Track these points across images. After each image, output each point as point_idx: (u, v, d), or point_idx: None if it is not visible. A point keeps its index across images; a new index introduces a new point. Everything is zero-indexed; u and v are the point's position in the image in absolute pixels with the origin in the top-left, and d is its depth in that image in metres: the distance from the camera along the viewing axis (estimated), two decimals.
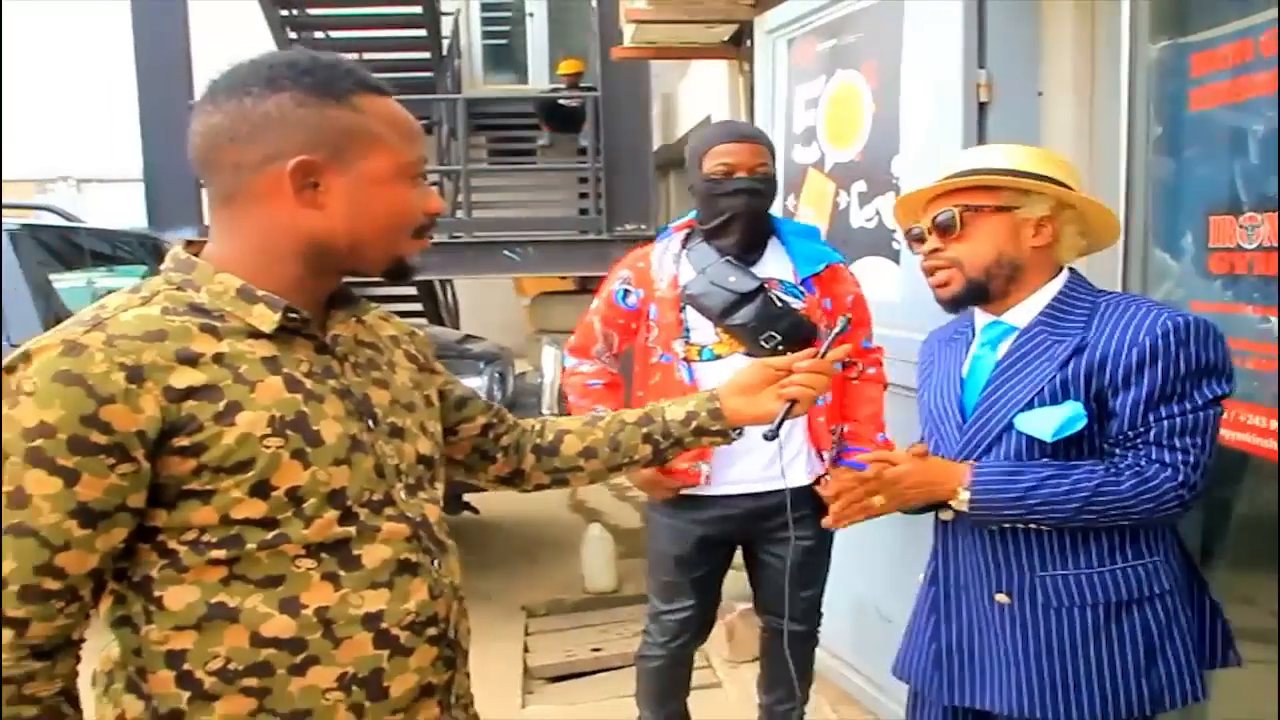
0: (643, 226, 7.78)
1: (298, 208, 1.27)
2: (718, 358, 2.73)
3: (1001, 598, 1.89)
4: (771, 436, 1.65)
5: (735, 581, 4.01)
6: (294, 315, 1.29)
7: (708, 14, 4.57)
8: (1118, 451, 1.82)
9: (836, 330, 1.79)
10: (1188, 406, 1.77)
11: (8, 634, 1.14)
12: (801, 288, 2.76)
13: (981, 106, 2.84)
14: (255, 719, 1.25)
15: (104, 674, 1.30)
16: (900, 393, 2.90)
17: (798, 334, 2.64)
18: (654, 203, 8.65)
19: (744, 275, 2.71)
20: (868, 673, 3.53)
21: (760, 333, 2.67)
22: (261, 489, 1.22)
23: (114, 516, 1.17)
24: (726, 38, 5.06)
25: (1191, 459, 1.77)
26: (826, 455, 2.83)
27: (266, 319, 1.27)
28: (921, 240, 1.95)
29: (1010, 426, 1.85)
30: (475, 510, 5.72)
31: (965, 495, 1.83)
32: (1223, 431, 2.28)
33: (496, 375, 5.25)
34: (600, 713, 3.87)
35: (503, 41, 15.03)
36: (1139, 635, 1.85)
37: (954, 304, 1.95)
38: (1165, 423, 1.77)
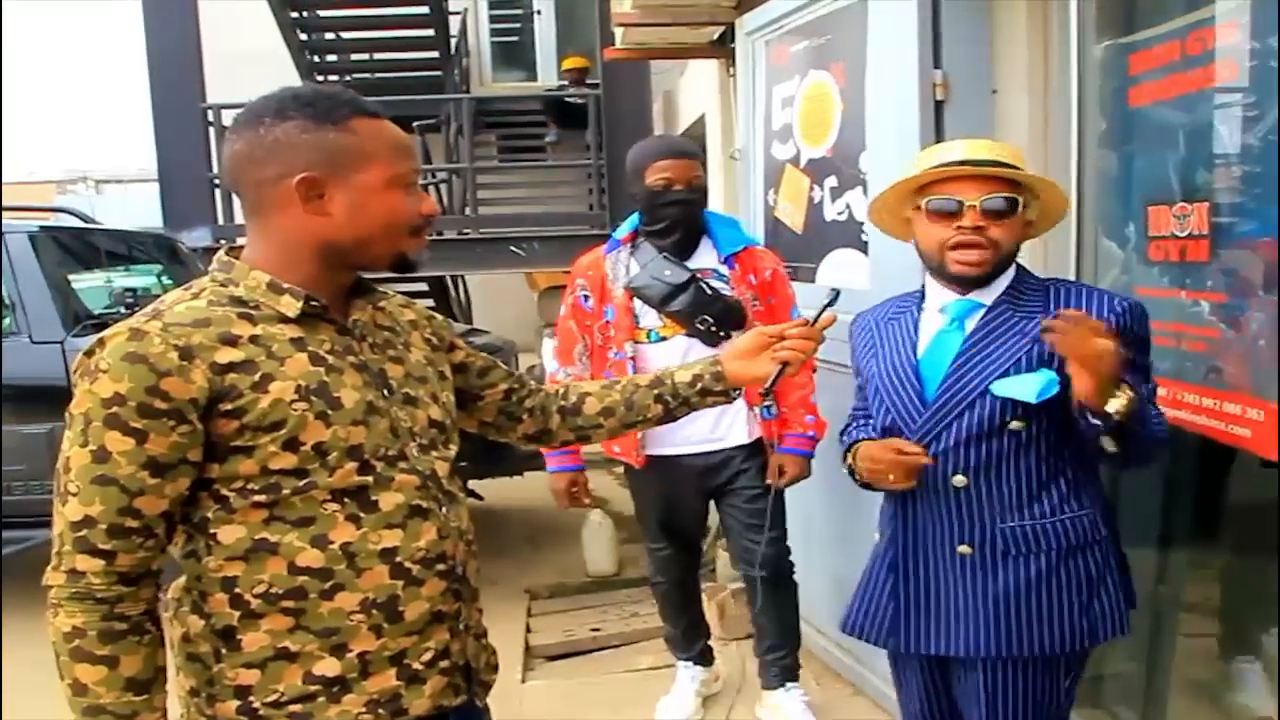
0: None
1: (308, 215, 1.53)
2: (663, 339, 3.20)
3: (964, 549, 2.09)
4: (767, 393, 1.91)
5: (727, 562, 4.19)
6: (315, 303, 1.55)
7: (692, 16, 4.73)
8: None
9: (828, 300, 1.96)
10: (1141, 377, 1.98)
11: (100, 563, 1.42)
12: (725, 267, 3.20)
13: (939, 105, 2.98)
14: (293, 634, 1.50)
15: (173, 600, 1.57)
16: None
17: (728, 316, 3.13)
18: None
19: (677, 269, 3.16)
20: (850, 647, 3.69)
21: (695, 316, 3.13)
22: (292, 444, 1.47)
23: (177, 468, 1.44)
24: (714, 38, 5.21)
25: (1160, 422, 2.00)
26: (756, 410, 3.21)
27: (292, 306, 1.53)
28: (955, 215, 2.02)
29: (984, 393, 2.02)
30: (480, 497, 5.89)
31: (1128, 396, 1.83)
32: (1162, 410, 2.44)
33: None
34: (596, 687, 4.04)
35: (511, 39, 15.07)
36: (1082, 577, 2.07)
37: (978, 281, 2.07)
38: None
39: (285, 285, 1.54)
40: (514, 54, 15.09)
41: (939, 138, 2.98)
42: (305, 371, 1.50)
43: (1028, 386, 1.96)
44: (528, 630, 4.64)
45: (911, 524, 2.15)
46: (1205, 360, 2.36)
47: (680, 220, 3.18)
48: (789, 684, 3.44)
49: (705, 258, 3.24)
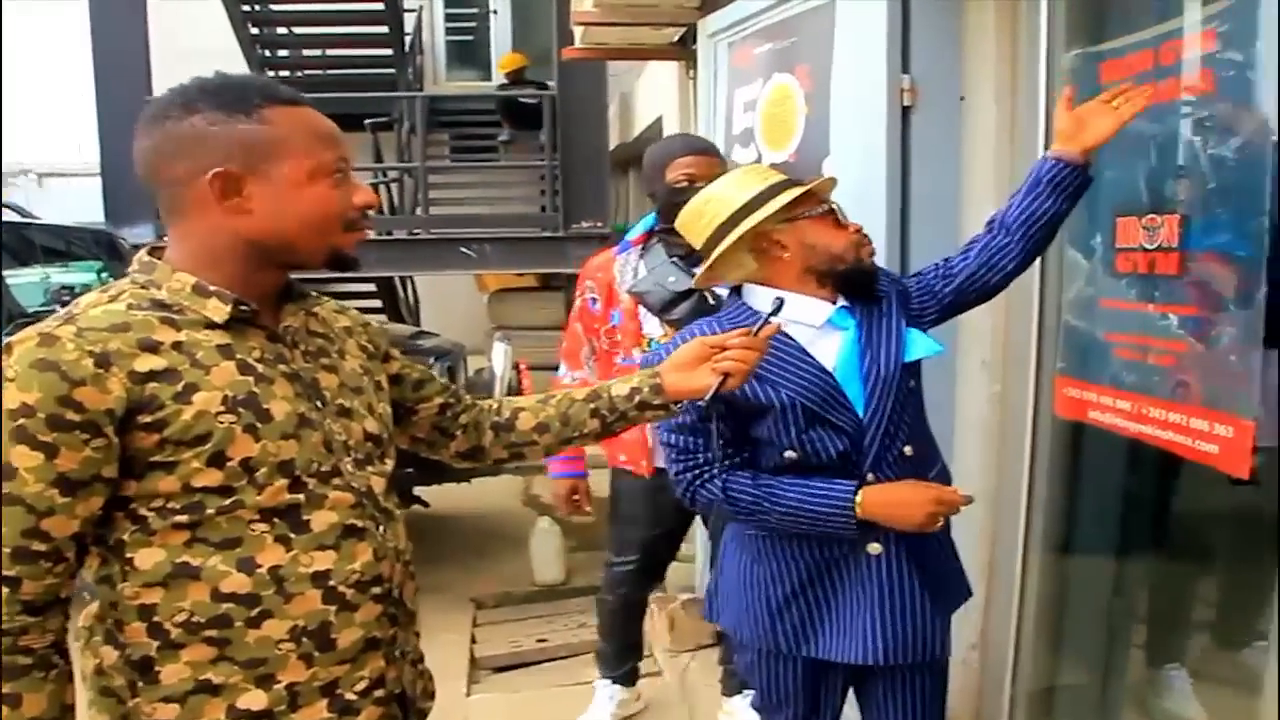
0: (599, 224, 7.86)
1: (227, 214, 1.43)
2: None
3: (874, 547, 2.11)
4: (706, 409, 1.86)
5: (677, 572, 4.12)
6: (244, 307, 1.44)
7: (654, 17, 4.65)
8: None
9: (772, 309, 1.93)
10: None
11: (4, 591, 1.29)
12: None
13: (905, 110, 2.94)
14: (216, 666, 1.39)
15: (84, 629, 1.45)
16: None
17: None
18: (610, 200, 8.73)
19: (683, 275, 3.01)
20: None
21: None
22: (218, 460, 1.36)
23: (90, 486, 1.32)
24: (676, 39, 5.14)
25: None
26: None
27: (219, 311, 1.43)
28: (837, 218, 2.16)
29: (897, 366, 2.11)
30: (426, 504, 5.79)
31: None
32: (1125, 423, 2.41)
33: (445, 370, 5.32)
34: (543, 700, 3.97)
35: (467, 38, 15.01)
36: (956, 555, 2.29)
37: (871, 270, 2.18)
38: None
39: (212, 288, 1.44)
40: (469, 53, 15.01)
41: (905, 144, 2.94)
42: (233, 381, 1.40)
43: (925, 342, 2.16)
44: (473, 641, 4.55)
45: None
46: (1172, 374, 2.32)
47: None
48: (747, 690, 3.37)
49: None
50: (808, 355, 2.10)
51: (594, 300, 3.23)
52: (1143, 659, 3.00)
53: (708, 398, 1.80)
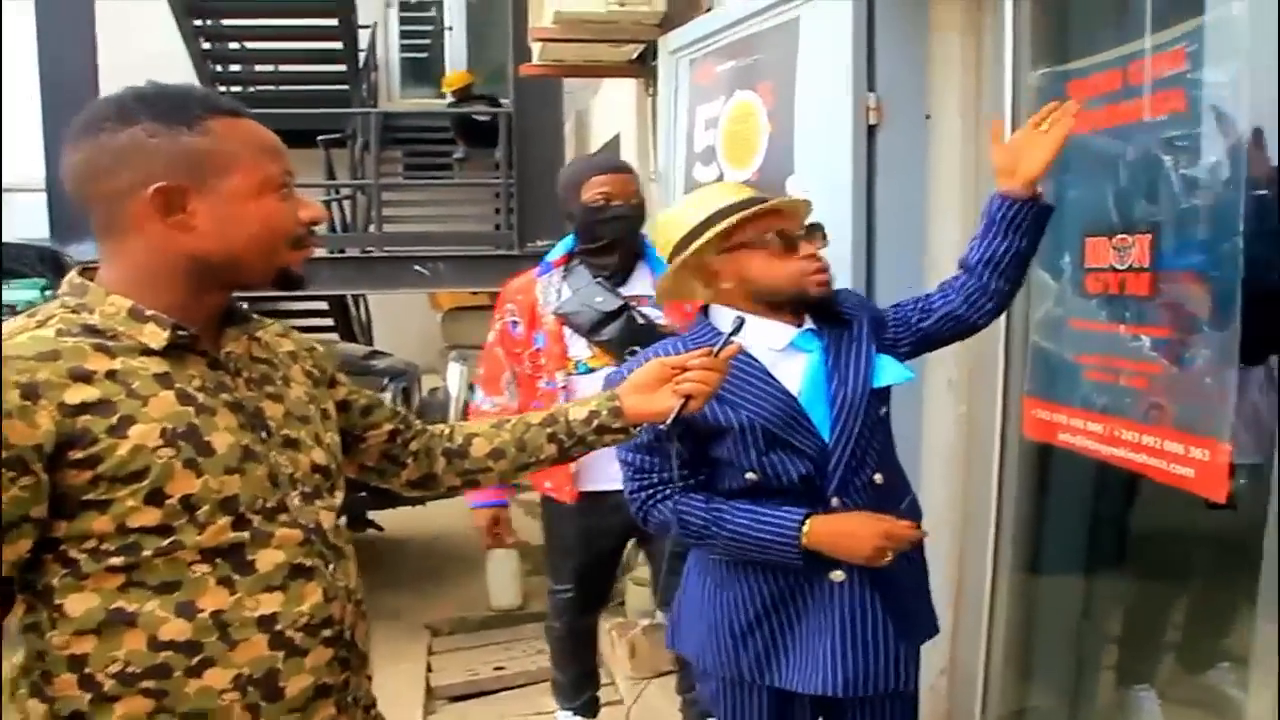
0: (554, 243, 7.74)
1: (169, 231, 1.33)
2: (591, 370, 3.02)
3: (837, 575, 2.05)
4: (667, 431, 1.78)
5: (638, 597, 4.05)
6: (183, 333, 1.35)
7: (614, 34, 4.61)
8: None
9: (733, 329, 1.87)
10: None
11: None
12: None
13: (871, 129, 2.90)
14: (154, 719, 1.29)
15: (10, 681, 1.34)
16: None
17: None
18: (562, 218, 8.64)
19: (610, 295, 3.01)
20: None
21: (625, 347, 2.93)
22: (155, 497, 1.26)
23: (18, 527, 1.22)
24: (634, 56, 5.10)
25: None
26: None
27: (157, 337, 1.33)
28: (796, 245, 2.08)
29: (866, 394, 2.06)
30: (380, 528, 5.68)
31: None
32: (1096, 446, 2.38)
33: (400, 391, 5.23)
34: None
35: (421, 55, 14.91)
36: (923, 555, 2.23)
37: (829, 299, 2.12)
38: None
39: (149, 312, 1.34)
40: (424, 70, 14.89)
41: (871, 162, 2.91)
42: (172, 412, 1.30)
43: (897, 369, 2.11)
44: (428, 669, 4.44)
45: None
46: (1145, 397, 2.29)
47: (620, 238, 3.05)
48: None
49: (640, 284, 3.09)
50: (770, 377, 2.05)
51: (515, 323, 3.14)
52: (1112, 681, 2.97)
53: (669, 421, 1.74)
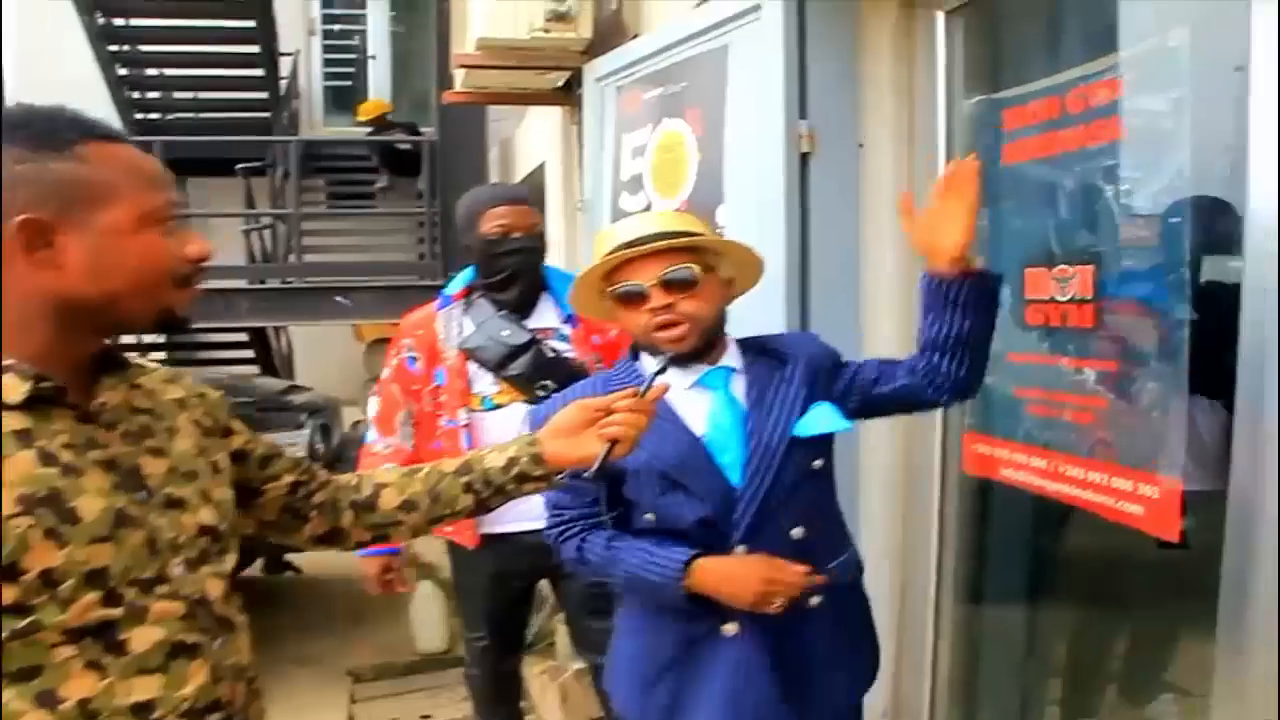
0: None
1: (34, 269, 1.20)
2: (498, 406, 2.92)
3: (816, 600, 1.96)
4: (593, 478, 1.67)
5: (569, 640, 3.92)
6: (46, 384, 1.20)
7: (538, 61, 4.51)
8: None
9: (660, 367, 1.79)
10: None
11: None
12: (568, 326, 2.97)
13: (803, 157, 2.83)
14: None
15: None
16: None
17: (571, 381, 2.73)
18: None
19: (516, 329, 2.92)
20: None
21: (535, 381, 2.86)
22: (11, 573, 1.12)
23: None
24: (560, 84, 5.01)
25: None
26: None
27: (15, 390, 1.18)
28: (640, 298, 1.93)
29: (790, 441, 1.93)
30: (298, 570, 5.50)
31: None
32: (1040, 482, 2.32)
33: (319, 428, 5.06)
34: None
35: (345, 83, 14.72)
36: (861, 617, 2.15)
37: (689, 356, 1.96)
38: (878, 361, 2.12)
39: (8, 361, 1.20)
40: (348, 98, 14.64)
41: (804, 192, 2.83)
42: (30, 475, 1.15)
43: (833, 418, 1.97)
44: (350, 718, 4.25)
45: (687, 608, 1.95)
46: (1090, 432, 2.23)
47: (520, 271, 2.94)
48: None
49: (546, 316, 3.01)
50: (674, 416, 1.96)
51: (413, 359, 3.01)
52: (1057, 715, 2.92)
53: (594, 467, 1.63)
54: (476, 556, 3.01)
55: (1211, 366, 1.98)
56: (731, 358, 2.02)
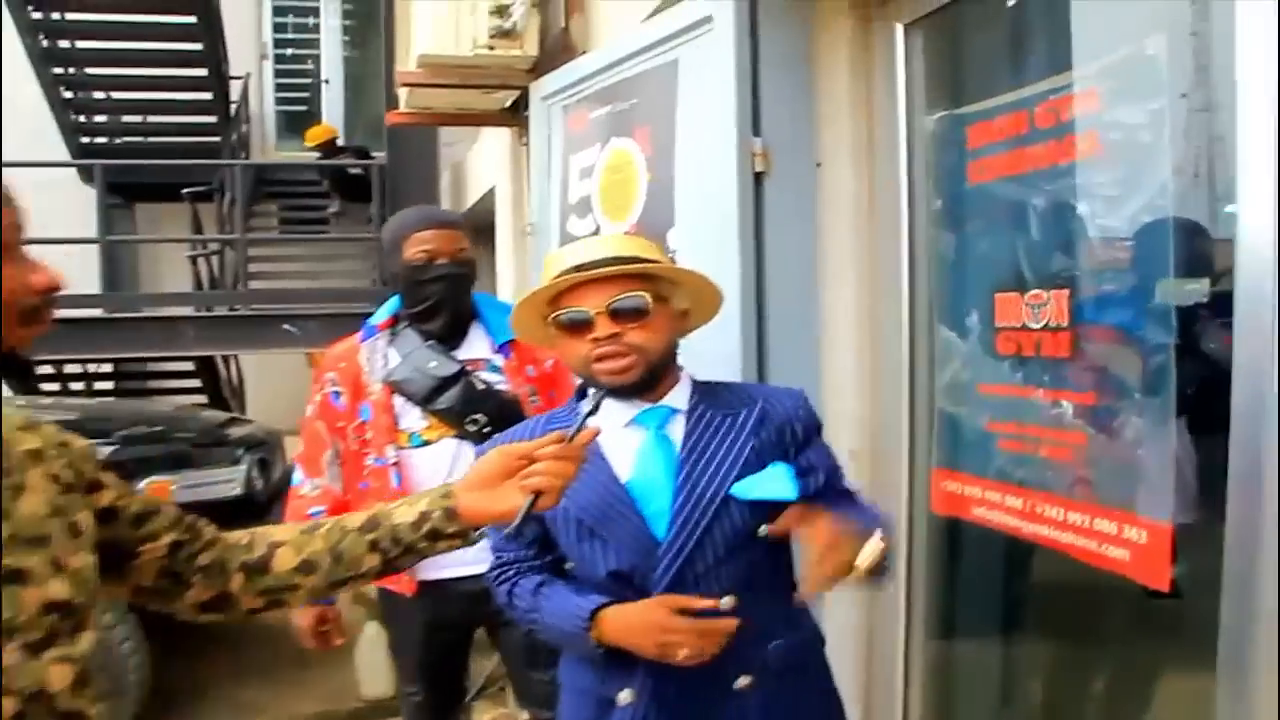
0: None
1: None
2: (427, 443, 2.73)
3: (744, 681, 1.76)
4: (514, 535, 1.53)
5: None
6: None
7: (483, 79, 4.33)
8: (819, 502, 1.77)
9: (591, 408, 1.62)
10: (834, 457, 1.91)
11: None
12: (500, 356, 2.80)
13: (758, 177, 2.67)
14: None
15: None
16: None
17: (503, 414, 2.65)
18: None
19: (445, 360, 2.75)
20: None
21: (465, 415, 2.69)
22: None
23: None
24: (508, 105, 4.84)
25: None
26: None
27: None
28: (584, 326, 1.76)
29: (727, 500, 1.74)
30: None
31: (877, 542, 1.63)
32: (1017, 523, 2.16)
33: (257, 463, 4.83)
34: None
35: (299, 108, 14.57)
36: (833, 684, 1.94)
37: (632, 389, 1.79)
38: (840, 471, 1.89)
39: None
40: (301, 122, 14.48)
41: (759, 213, 2.67)
42: None
43: (780, 484, 1.74)
44: None
45: (668, 671, 1.72)
46: (1069, 469, 2.07)
47: (446, 299, 2.75)
48: None
49: (476, 347, 2.83)
50: (600, 458, 1.78)
51: (337, 394, 2.80)
52: None
53: (515, 523, 1.47)
54: (411, 605, 2.81)
55: (1197, 396, 1.84)
56: (678, 397, 1.84)
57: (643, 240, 1.95)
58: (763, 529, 1.74)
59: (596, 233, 3.33)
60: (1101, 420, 1.99)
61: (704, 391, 1.86)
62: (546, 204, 3.71)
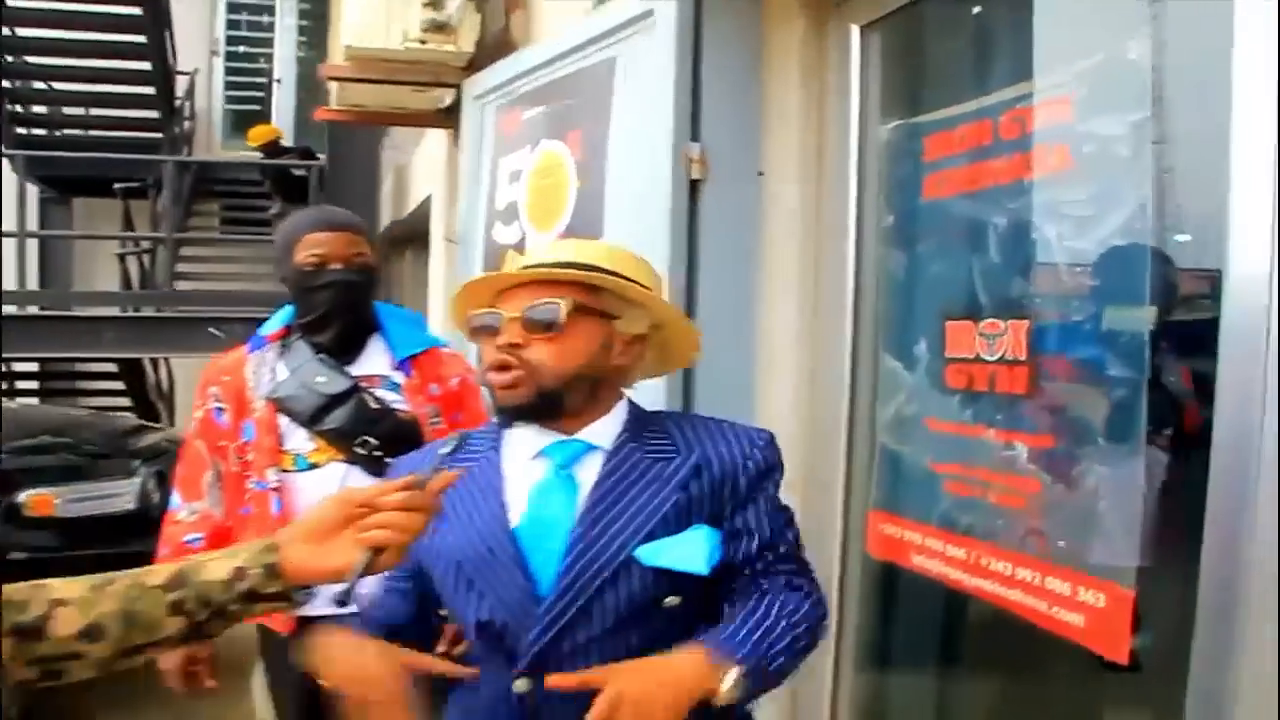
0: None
1: None
2: (314, 466, 2.45)
3: None
4: (343, 600, 1.23)
5: None
6: None
7: (414, 75, 4.08)
8: (747, 572, 1.52)
9: (452, 447, 1.43)
10: (787, 518, 1.59)
11: None
12: (400, 373, 2.54)
13: (694, 184, 2.46)
14: None
15: None
16: None
17: (398, 437, 2.39)
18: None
19: (336, 375, 2.48)
20: None
21: (354, 437, 2.43)
22: None
23: None
24: (445, 104, 4.59)
25: (812, 572, 1.61)
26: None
27: None
28: (493, 332, 1.52)
29: (629, 564, 1.45)
30: None
31: (734, 675, 1.37)
32: (958, 575, 1.96)
33: (154, 475, 4.51)
34: None
35: (250, 107, 14.31)
36: None
37: (515, 413, 1.53)
38: (789, 535, 1.57)
39: None
40: (250, 121, 14.24)
41: (693, 224, 2.47)
42: None
43: (692, 552, 1.47)
44: None
45: None
46: (1021, 519, 1.86)
47: (338, 308, 2.48)
48: None
49: (374, 362, 2.56)
50: (494, 490, 1.53)
51: (220, 410, 2.54)
52: None
53: (349, 584, 1.22)
54: (288, 643, 2.52)
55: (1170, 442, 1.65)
56: (601, 431, 1.56)
57: (625, 253, 1.64)
58: (669, 599, 1.47)
59: (521, 241, 3.10)
60: (1059, 466, 1.78)
61: (640, 427, 1.58)
62: (474, 210, 3.48)
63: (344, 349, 2.53)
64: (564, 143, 2.96)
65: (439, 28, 3.84)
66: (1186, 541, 1.52)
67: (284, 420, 2.46)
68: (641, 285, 1.56)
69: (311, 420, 2.44)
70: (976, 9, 2.11)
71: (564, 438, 1.54)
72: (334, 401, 2.44)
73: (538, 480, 1.53)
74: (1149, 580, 1.61)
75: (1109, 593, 1.64)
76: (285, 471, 2.44)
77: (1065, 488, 1.77)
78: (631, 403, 1.61)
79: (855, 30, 2.35)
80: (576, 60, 2.96)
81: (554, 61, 3.08)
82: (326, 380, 2.45)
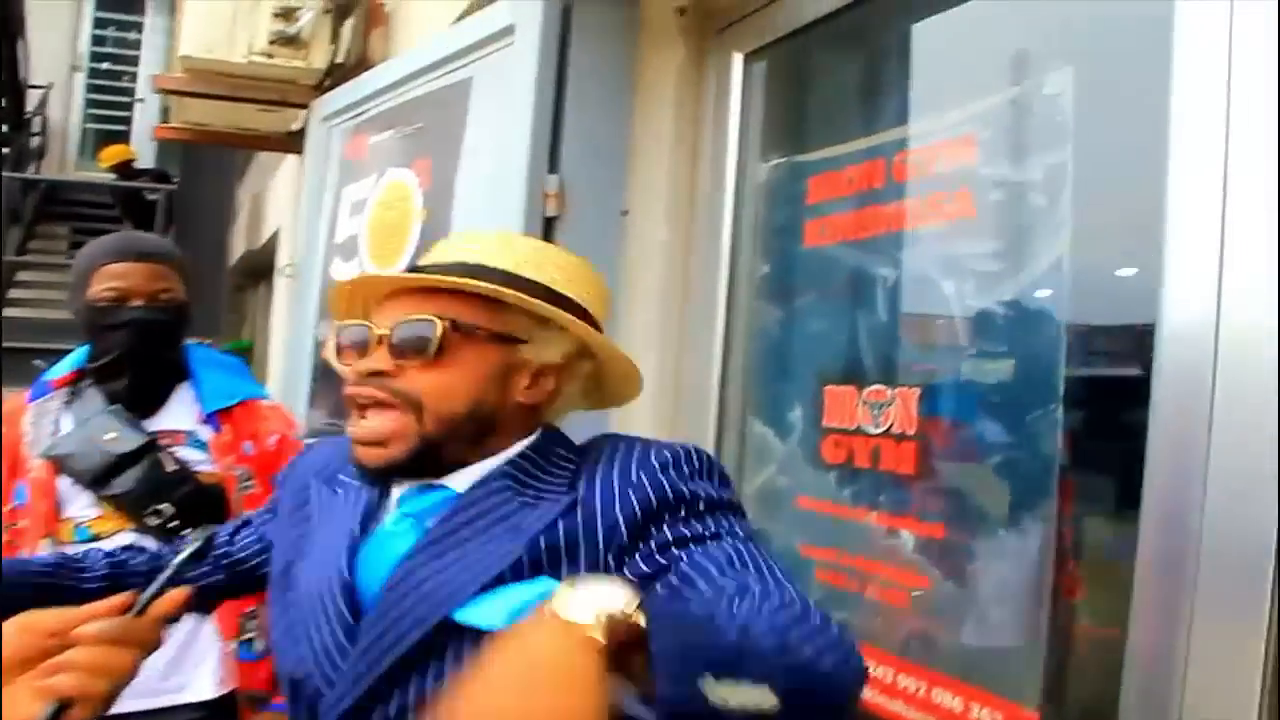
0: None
1: None
2: (97, 538, 2.09)
3: None
4: None
5: None
6: None
7: (259, 93, 3.73)
8: None
9: (192, 549, 1.11)
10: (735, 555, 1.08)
11: None
12: (208, 428, 2.21)
13: (549, 221, 2.20)
14: None
15: None
16: None
17: (198, 505, 2.10)
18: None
19: (128, 430, 2.12)
20: None
21: (145, 506, 2.09)
22: None
23: None
24: (298, 125, 4.25)
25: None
26: (232, 646, 2.22)
27: None
28: (362, 350, 1.17)
29: (445, 625, 1.09)
30: None
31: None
32: None
33: None
34: None
35: (117, 126, 13.78)
36: None
37: (384, 473, 1.18)
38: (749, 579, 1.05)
39: None
40: (113, 141, 13.71)
41: None
42: None
43: (495, 608, 1.09)
44: None
45: None
46: (903, 620, 1.62)
47: (136, 352, 2.14)
48: None
49: (176, 415, 2.22)
50: (350, 520, 1.21)
51: None
52: None
53: None
54: None
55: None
56: (464, 476, 1.19)
57: (563, 259, 1.25)
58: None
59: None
60: (951, 560, 1.55)
61: (537, 465, 1.21)
62: (314, 243, 3.15)
63: (142, 399, 2.19)
64: (412, 171, 2.66)
65: (289, 41, 3.51)
66: (1105, 653, 1.29)
67: (64, 482, 2.11)
68: (574, 301, 1.20)
69: (95, 483, 2.10)
70: (872, 39, 1.89)
71: (418, 485, 1.20)
72: (124, 461, 2.09)
73: (389, 516, 1.21)
74: (1056, 699, 1.38)
75: (1006, 712, 1.40)
76: (62, 543, 2.07)
77: (957, 585, 1.53)
78: (548, 435, 1.25)
79: (738, 58, 2.14)
80: (430, 81, 2.69)
81: (406, 81, 2.79)
82: (116, 436, 2.11)
